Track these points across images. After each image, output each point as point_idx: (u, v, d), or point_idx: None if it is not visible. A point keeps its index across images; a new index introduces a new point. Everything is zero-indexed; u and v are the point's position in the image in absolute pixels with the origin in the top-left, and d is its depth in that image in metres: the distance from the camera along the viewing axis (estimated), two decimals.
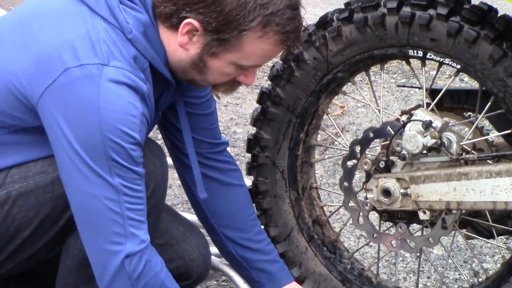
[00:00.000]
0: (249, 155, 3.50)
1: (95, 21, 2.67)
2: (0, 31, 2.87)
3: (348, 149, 3.31)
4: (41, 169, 2.79)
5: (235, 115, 5.48)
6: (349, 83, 3.47)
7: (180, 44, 2.77)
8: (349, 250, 3.59)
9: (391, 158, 3.15)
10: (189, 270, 3.13)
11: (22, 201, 2.78)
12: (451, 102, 3.31)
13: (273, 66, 3.40)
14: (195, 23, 2.69)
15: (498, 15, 3.04)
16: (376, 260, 3.64)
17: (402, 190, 3.11)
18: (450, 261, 3.93)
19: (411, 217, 3.21)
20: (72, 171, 2.63)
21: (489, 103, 3.07)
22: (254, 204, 3.48)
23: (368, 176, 3.22)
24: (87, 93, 2.60)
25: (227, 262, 3.39)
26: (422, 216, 3.13)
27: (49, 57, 2.65)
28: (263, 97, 3.40)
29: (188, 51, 2.78)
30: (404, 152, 3.11)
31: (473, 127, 3.14)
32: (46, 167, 2.79)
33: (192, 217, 3.66)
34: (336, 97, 3.64)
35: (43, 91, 2.62)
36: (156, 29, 2.79)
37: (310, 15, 4.80)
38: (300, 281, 3.45)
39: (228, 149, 3.52)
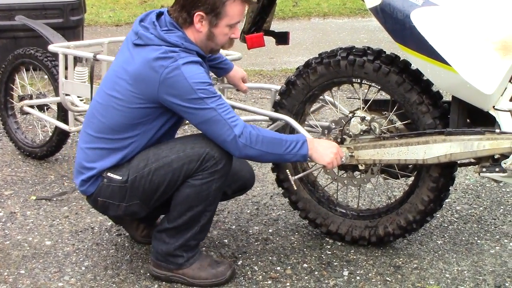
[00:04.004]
0: None
1: (162, 47, 2.86)
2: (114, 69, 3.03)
3: (321, 131, 3.48)
4: (165, 154, 2.96)
5: None
6: (321, 96, 3.56)
7: (197, 29, 2.94)
8: (322, 185, 3.66)
9: (344, 136, 3.30)
10: (246, 185, 3.30)
11: (157, 172, 2.95)
12: (375, 106, 3.40)
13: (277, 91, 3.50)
14: (201, 12, 2.90)
15: (401, 59, 3.23)
16: (336, 191, 3.72)
17: (350, 153, 3.26)
18: (375, 191, 4.03)
19: (354, 168, 3.37)
20: (194, 116, 2.88)
21: (395, 107, 3.27)
22: None
23: None
24: (176, 74, 2.84)
25: None
26: (360, 167, 3.33)
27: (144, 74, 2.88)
28: (276, 106, 3.49)
29: (202, 32, 2.95)
30: (350, 133, 3.29)
31: (387, 119, 3.30)
32: (168, 153, 2.96)
33: None
34: (314, 104, 3.64)
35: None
36: (185, 33, 2.96)
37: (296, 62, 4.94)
38: (296, 202, 3.53)
39: None
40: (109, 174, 3.03)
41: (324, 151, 3.06)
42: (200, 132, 3.02)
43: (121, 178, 3.00)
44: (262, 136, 2.92)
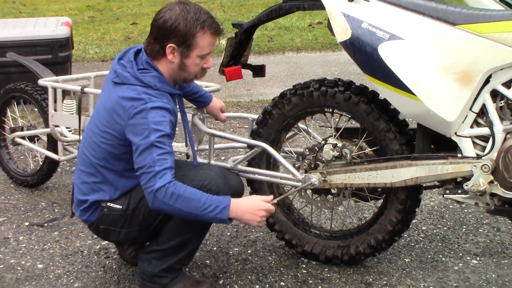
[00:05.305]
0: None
1: (137, 87, 2.89)
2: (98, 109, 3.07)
3: (295, 158, 3.48)
4: None
5: None
6: (295, 125, 3.57)
7: (169, 60, 2.94)
8: (297, 208, 3.70)
9: (317, 162, 3.35)
10: (236, 193, 3.13)
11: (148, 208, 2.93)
12: (346, 134, 3.42)
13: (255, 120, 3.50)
14: (172, 44, 2.91)
15: (369, 90, 3.28)
16: (310, 213, 3.77)
17: (323, 178, 3.30)
18: (347, 213, 4.04)
19: (327, 191, 3.40)
20: (137, 156, 2.86)
21: (365, 134, 3.31)
22: None
23: (306, 171, 3.36)
24: (142, 116, 2.86)
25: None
26: (333, 191, 3.36)
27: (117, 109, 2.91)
28: (253, 134, 3.49)
29: (174, 62, 2.95)
30: (323, 159, 3.33)
31: (357, 146, 3.34)
32: None
33: None
34: (289, 132, 3.63)
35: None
36: (158, 69, 2.97)
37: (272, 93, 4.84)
38: (273, 224, 3.55)
39: None
40: (108, 204, 3.08)
41: (250, 215, 2.94)
42: (202, 163, 3.14)
43: (121, 207, 3.07)
44: (177, 194, 2.79)
